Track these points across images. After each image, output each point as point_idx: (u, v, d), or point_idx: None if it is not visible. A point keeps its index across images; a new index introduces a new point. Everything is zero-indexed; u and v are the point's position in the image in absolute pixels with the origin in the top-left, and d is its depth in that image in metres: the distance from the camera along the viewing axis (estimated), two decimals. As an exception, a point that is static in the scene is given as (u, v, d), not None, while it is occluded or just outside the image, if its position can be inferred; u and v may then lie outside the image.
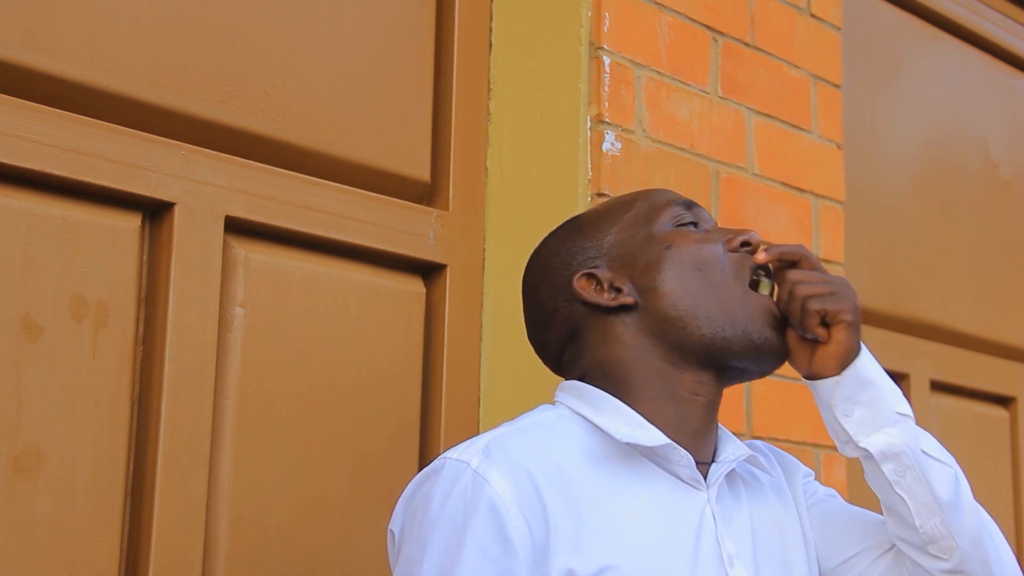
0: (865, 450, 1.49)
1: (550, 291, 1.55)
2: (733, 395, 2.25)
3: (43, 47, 1.68)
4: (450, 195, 2.11)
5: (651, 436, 1.45)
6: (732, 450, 1.52)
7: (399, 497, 1.45)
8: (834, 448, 2.43)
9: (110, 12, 1.75)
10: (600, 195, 2.05)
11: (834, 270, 2.52)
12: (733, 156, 2.31)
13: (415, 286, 2.06)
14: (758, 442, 1.66)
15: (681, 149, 2.21)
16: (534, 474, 1.37)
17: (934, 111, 3.28)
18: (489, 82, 2.19)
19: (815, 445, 2.41)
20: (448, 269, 2.07)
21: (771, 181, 2.38)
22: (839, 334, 1.47)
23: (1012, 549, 1.59)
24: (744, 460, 1.54)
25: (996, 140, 3.47)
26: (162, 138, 1.77)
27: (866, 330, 2.91)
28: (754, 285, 1.51)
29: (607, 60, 2.10)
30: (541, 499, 1.36)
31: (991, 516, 1.60)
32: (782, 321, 1.50)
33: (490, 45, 2.20)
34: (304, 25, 1.97)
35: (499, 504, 1.34)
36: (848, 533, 1.61)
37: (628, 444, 1.44)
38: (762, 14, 2.42)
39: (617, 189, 2.08)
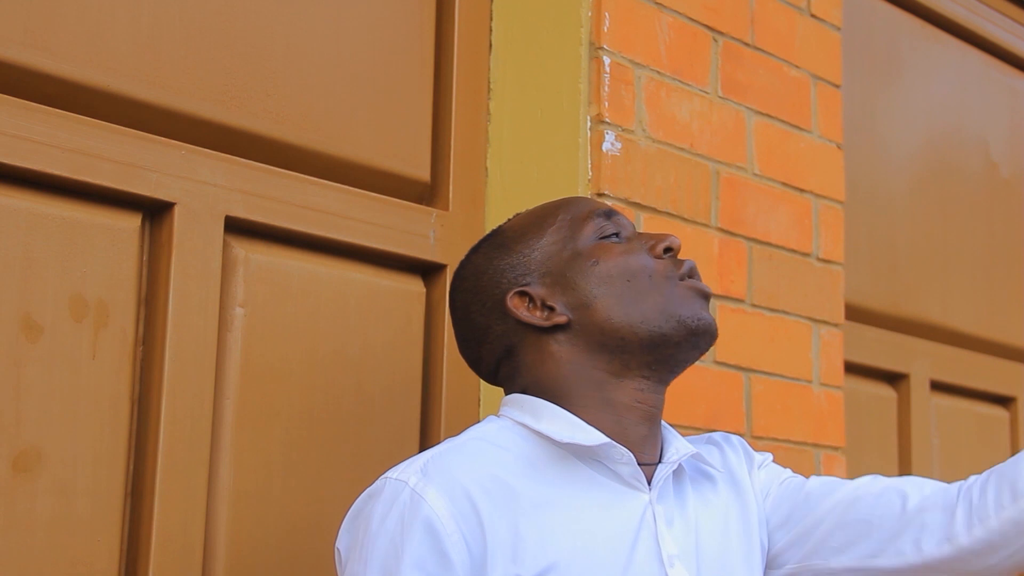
0: None
1: (481, 309, 1.57)
2: (733, 395, 2.25)
3: (43, 47, 1.68)
4: (450, 195, 2.11)
5: (590, 436, 1.46)
6: (677, 449, 1.53)
7: (345, 515, 1.48)
8: (834, 448, 2.43)
9: (110, 12, 1.75)
10: (600, 195, 2.05)
11: (834, 270, 2.52)
12: (733, 156, 2.31)
13: (415, 286, 2.06)
14: (716, 434, 1.66)
15: (681, 149, 2.21)
16: (470, 489, 1.40)
17: (934, 111, 3.28)
18: (489, 82, 2.19)
19: (815, 445, 2.41)
20: (448, 269, 2.07)
21: (771, 181, 2.38)
22: None
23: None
24: (692, 458, 1.54)
25: (996, 140, 3.47)
26: (162, 138, 1.77)
27: (866, 330, 2.93)
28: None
29: (607, 60, 2.10)
30: (477, 513, 1.39)
31: None
32: (707, 297, 1.52)
33: (490, 45, 2.20)
34: (304, 25, 1.97)
35: (435, 521, 1.38)
36: (857, 529, 1.58)
37: (567, 444, 1.46)
38: (762, 14, 2.42)
39: (617, 189, 2.08)
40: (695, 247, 2.19)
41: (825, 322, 2.47)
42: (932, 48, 3.29)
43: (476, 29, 2.18)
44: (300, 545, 1.85)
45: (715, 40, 2.31)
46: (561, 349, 1.51)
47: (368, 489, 1.46)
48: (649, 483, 1.49)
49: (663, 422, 1.56)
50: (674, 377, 1.54)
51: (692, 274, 1.53)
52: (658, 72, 2.19)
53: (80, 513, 1.64)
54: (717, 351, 2.22)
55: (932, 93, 3.28)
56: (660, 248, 1.53)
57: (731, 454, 1.63)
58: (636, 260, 1.52)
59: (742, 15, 2.38)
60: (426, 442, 2.02)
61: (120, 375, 1.70)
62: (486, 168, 2.16)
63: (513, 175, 2.14)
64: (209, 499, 1.75)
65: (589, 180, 2.06)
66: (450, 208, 2.10)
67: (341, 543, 1.47)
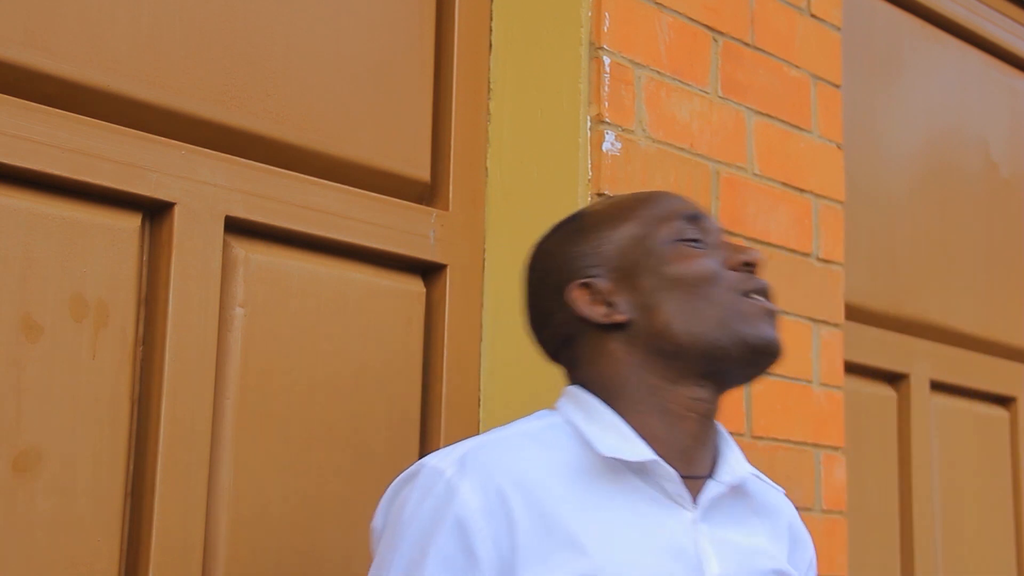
0: None
1: (546, 293, 1.55)
2: (733, 395, 2.25)
3: (43, 47, 1.68)
4: (450, 195, 2.11)
5: (636, 451, 1.43)
6: (732, 468, 1.49)
7: (384, 494, 1.48)
8: (834, 448, 2.43)
9: (110, 12, 1.75)
10: (600, 195, 2.05)
11: (834, 270, 2.52)
12: (733, 156, 2.31)
13: (415, 286, 2.06)
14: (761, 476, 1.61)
15: (681, 149, 2.21)
16: (505, 487, 1.38)
17: (934, 111, 3.28)
18: (489, 82, 2.19)
19: (815, 445, 2.41)
20: (448, 269, 2.07)
21: (771, 181, 2.38)
22: None
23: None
24: (751, 478, 1.52)
25: (996, 140, 3.47)
26: (162, 138, 1.77)
27: (866, 330, 2.93)
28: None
29: (607, 60, 2.10)
30: (509, 513, 1.37)
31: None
32: (773, 316, 1.48)
33: (490, 45, 2.20)
34: (304, 25, 1.97)
35: (466, 518, 1.36)
36: None
37: (611, 458, 1.43)
38: (762, 14, 2.42)
39: (617, 189, 2.08)
40: (695, 247, 2.19)
41: (825, 322, 2.47)
42: (932, 48, 3.29)
43: (476, 29, 2.18)
44: (300, 545, 1.85)
45: (715, 40, 2.31)
46: (618, 348, 1.48)
47: (406, 471, 1.45)
48: (695, 497, 1.46)
49: (724, 433, 1.53)
50: (730, 389, 1.51)
51: (762, 291, 1.49)
52: (658, 72, 2.19)
53: (80, 513, 1.64)
54: (717, 351, 2.22)
55: (932, 93, 3.28)
56: (738, 260, 1.49)
57: (797, 522, 1.60)
58: (706, 268, 1.47)
59: (742, 15, 2.38)
60: (426, 442, 2.02)
61: (120, 375, 1.70)
62: (486, 168, 2.16)
63: (513, 175, 2.14)
64: (209, 499, 1.75)
65: (589, 180, 2.06)
66: (450, 208, 2.10)
67: (376, 522, 1.47)
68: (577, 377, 1.53)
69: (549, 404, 1.56)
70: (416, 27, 2.12)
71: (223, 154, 1.83)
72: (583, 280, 1.50)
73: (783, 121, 2.43)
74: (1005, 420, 3.39)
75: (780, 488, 1.62)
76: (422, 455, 2.01)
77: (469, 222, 2.12)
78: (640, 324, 1.47)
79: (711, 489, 1.47)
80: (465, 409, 2.06)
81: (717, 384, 1.48)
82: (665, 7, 2.22)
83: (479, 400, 2.09)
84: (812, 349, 2.43)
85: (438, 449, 1.97)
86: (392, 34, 2.09)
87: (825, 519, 2.40)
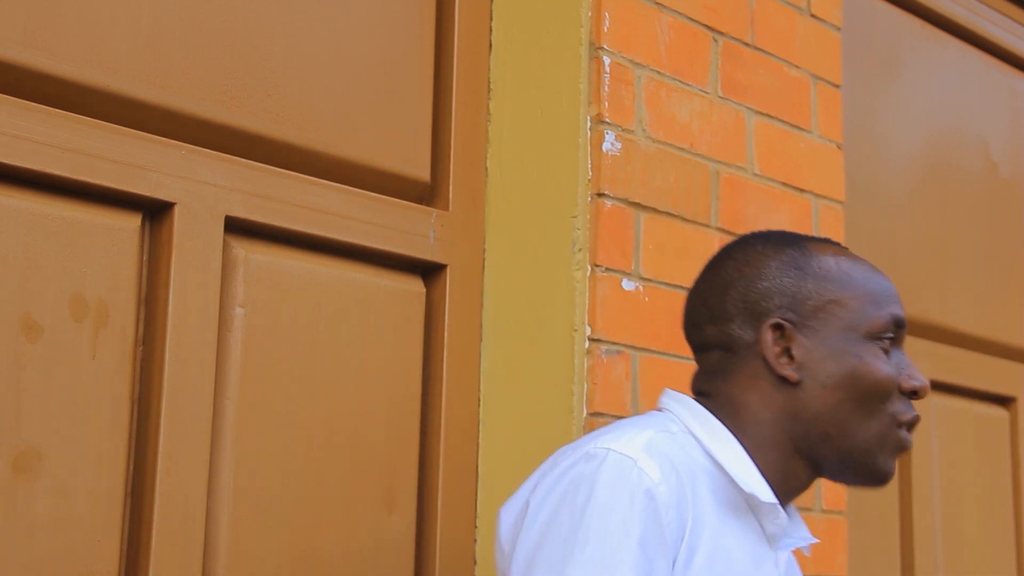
0: None
1: (737, 299, 1.55)
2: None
3: (43, 47, 1.68)
4: (450, 195, 2.11)
5: (766, 492, 1.51)
6: (801, 529, 1.59)
7: (545, 472, 1.46)
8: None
9: (110, 12, 1.75)
10: (600, 195, 2.05)
11: (834, 270, 2.52)
12: (733, 156, 2.31)
13: (415, 286, 2.06)
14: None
15: (681, 149, 2.21)
16: (684, 483, 1.44)
17: (934, 111, 3.28)
18: (489, 82, 2.19)
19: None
20: (448, 269, 2.07)
21: (771, 181, 2.38)
22: None
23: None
24: (810, 543, 1.61)
25: (996, 140, 3.47)
26: (162, 138, 1.77)
27: (866, 330, 2.92)
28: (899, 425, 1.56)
29: (607, 60, 2.10)
30: (685, 505, 1.43)
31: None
32: (905, 451, 1.56)
33: (490, 45, 2.20)
34: (304, 25, 1.97)
35: (660, 505, 1.40)
36: None
37: (747, 493, 1.50)
38: (762, 14, 2.42)
39: (617, 189, 2.08)
40: (695, 247, 2.19)
41: (825, 322, 2.47)
42: (932, 48, 3.29)
43: (476, 29, 2.18)
44: (300, 545, 1.85)
45: (715, 40, 2.31)
46: (773, 393, 1.53)
47: (577, 452, 1.44)
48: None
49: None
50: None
51: (914, 424, 1.55)
52: (658, 72, 2.19)
53: (80, 513, 1.64)
54: (717, 351, 2.22)
55: (932, 93, 3.28)
56: (911, 387, 1.54)
57: None
58: (886, 383, 1.52)
59: (742, 15, 2.38)
60: (426, 442, 2.02)
61: (120, 375, 1.70)
62: (486, 168, 2.16)
63: (513, 175, 2.14)
64: (209, 499, 1.75)
65: (589, 180, 2.06)
66: (450, 208, 2.10)
67: (538, 497, 1.44)
68: (712, 385, 1.56)
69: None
70: (416, 27, 2.12)
71: (223, 154, 1.83)
72: (779, 321, 1.53)
73: (783, 121, 2.43)
74: (1005, 420, 3.39)
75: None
76: (422, 454, 2.01)
77: (469, 222, 2.12)
78: (803, 391, 1.52)
79: (790, 543, 1.55)
80: (465, 409, 2.06)
81: (824, 473, 1.56)
82: (665, 7, 2.22)
83: (479, 400, 2.09)
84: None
85: (439, 448, 1.98)
86: (392, 34, 2.09)
87: (825, 519, 2.40)
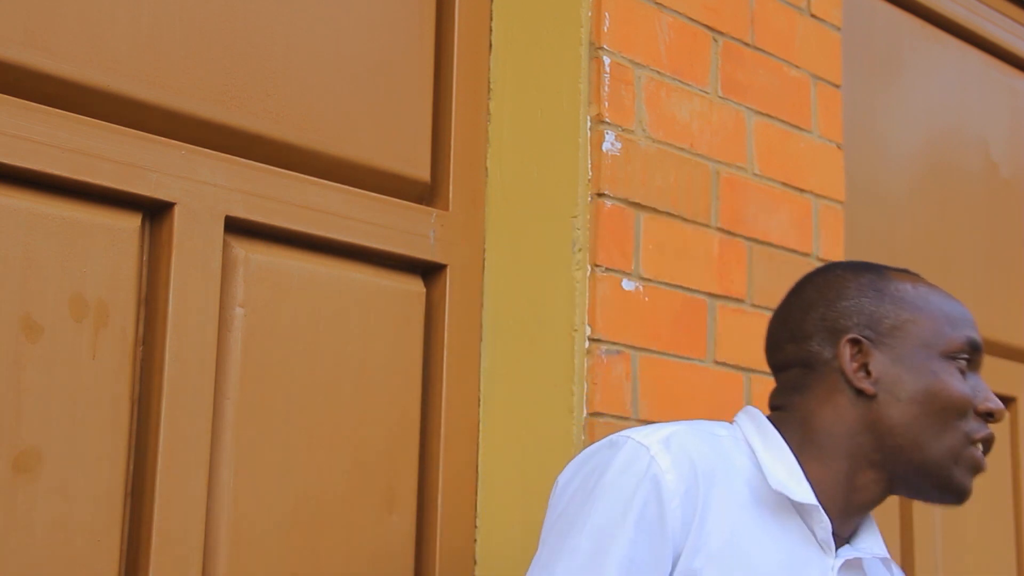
0: None
1: (817, 319, 1.62)
2: (733, 395, 2.25)
3: (43, 47, 1.68)
4: (450, 195, 2.11)
5: (801, 492, 1.54)
6: (872, 544, 1.61)
7: (575, 457, 1.58)
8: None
9: (110, 12, 1.75)
10: (600, 195, 2.05)
11: (834, 270, 2.52)
12: (733, 156, 2.31)
13: (415, 286, 2.06)
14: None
15: (681, 149, 2.21)
16: (699, 476, 1.50)
17: (934, 111, 3.28)
18: (489, 82, 2.19)
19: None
20: (448, 269, 2.07)
21: (771, 181, 2.38)
22: None
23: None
24: (883, 561, 1.64)
25: (996, 140, 3.47)
26: (162, 138, 1.77)
27: (866, 330, 2.92)
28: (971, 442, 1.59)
29: (607, 60, 2.10)
30: (698, 500, 1.49)
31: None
32: (980, 471, 1.59)
33: (490, 45, 2.20)
34: (304, 25, 1.97)
35: (665, 492, 1.47)
36: None
37: (777, 491, 1.54)
38: (762, 14, 2.42)
39: (617, 189, 2.07)
40: (695, 247, 2.19)
41: (825, 322, 2.47)
42: (932, 48, 3.29)
43: (476, 29, 2.18)
44: (300, 545, 1.85)
45: (715, 40, 2.31)
46: (847, 408, 1.58)
47: (605, 439, 1.55)
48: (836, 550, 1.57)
49: (871, 516, 1.65)
50: (896, 495, 1.62)
51: (988, 443, 1.59)
52: (658, 72, 2.19)
53: (80, 513, 1.64)
54: (717, 351, 2.22)
55: (932, 93, 3.28)
56: (987, 408, 1.58)
57: None
58: (962, 401, 1.56)
59: (742, 15, 2.38)
60: (426, 442, 2.02)
61: (120, 375, 1.70)
62: (486, 168, 2.16)
63: (513, 175, 2.14)
64: (209, 499, 1.75)
65: (589, 180, 2.06)
66: (450, 208, 2.10)
67: (564, 476, 1.56)
68: (789, 399, 1.62)
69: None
70: (416, 27, 2.12)
71: (223, 154, 1.83)
72: (857, 336, 1.58)
73: (783, 121, 2.43)
74: (1005, 420, 3.39)
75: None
76: (422, 454, 2.01)
77: (469, 222, 2.12)
78: (880, 404, 1.57)
79: (850, 550, 1.58)
80: (465, 409, 2.06)
81: (897, 489, 1.60)
82: (665, 7, 2.22)
83: (479, 400, 2.09)
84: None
85: (439, 448, 1.98)
86: (392, 34, 2.09)
87: (825, 519, 2.40)
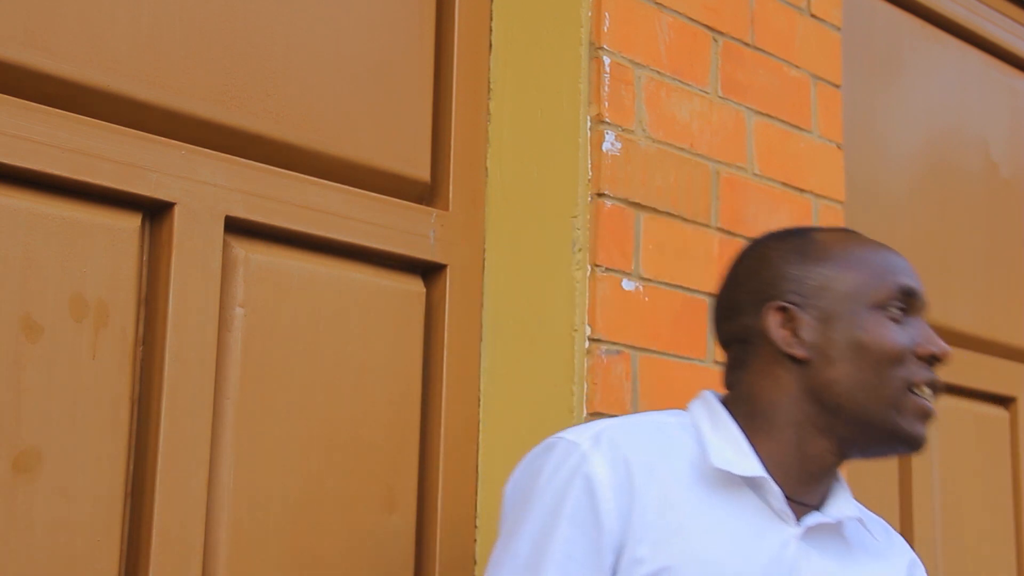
0: None
1: (745, 292, 1.61)
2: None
3: (43, 47, 1.68)
4: (450, 195, 2.11)
5: (745, 466, 1.53)
6: (841, 507, 1.58)
7: (518, 464, 1.59)
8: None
9: (110, 12, 1.75)
10: (600, 195, 2.05)
11: (834, 270, 2.52)
12: (733, 156, 2.31)
13: (415, 286, 2.06)
14: (865, 508, 1.70)
15: (681, 149, 2.21)
16: (633, 468, 1.49)
17: (934, 111, 3.27)
18: (489, 82, 2.19)
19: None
20: (448, 269, 2.07)
21: (771, 181, 2.38)
22: None
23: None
24: (853, 521, 1.60)
25: (996, 140, 3.47)
26: (162, 138, 1.77)
27: (866, 330, 2.92)
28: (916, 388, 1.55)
29: (607, 60, 2.10)
30: (633, 491, 1.48)
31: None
32: (930, 417, 1.56)
33: (490, 45, 2.20)
34: (304, 25, 1.97)
35: (597, 487, 1.48)
36: None
37: (720, 470, 1.52)
38: (762, 14, 2.42)
39: (617, 189, 2.07)
40: (695, 247, 2.19)
41: (825, 322, 2.47)
42: (932, 48, 3.29)
43: (476, 29, 2.18)
44: (300, 545, 1.85)
45: (715, 40, 2.31)
46: (785, 377, 1.56)
47: (544, 442, 1.56)
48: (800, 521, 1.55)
49: (841, 479, 1.62)
50: (858, 456, 1.59)
51: (933, 386, 1.56)
52: (658, 72, 2.19)
53: (80, 513, 1.64)
54: (717, 351, 2.22)
55: (932, 93, 3.28)
56: (928, 352, 1.56)
57: (885, 537, 1.67)
58: (897, 349, 1.54)
59: (742, 15, 2.38)
60: (426, 442, 2.02)
61: (120, 375, 1.70)
62: (486, 168, 2.16)
63: (513, 175, 2.14)
64: (209, 499, 1.75)
65: (589, 180, 2.06)
66: (450, 208, 2.10)
67: (509, 486, 1.58)
68: (734, 376, 1.62)
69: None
70: (416, 27, 2.12)
71: (223, 154, 1.83)
72: (783, 304, 1.56)
73: (783, 121, 2.43)
74: (1005, 420, 3.39)
75: (899, 536, 1.71)
76: (422, 454, 2.01)
77: (469, 222, 2.12)
78: (814, 368, 1.55)
79: (815, 516, 1.56)
80: (465, 409, 2.06)
81: (852, 449, 1.57)
82: (665, 7, 2.22)
83: (479, 400, 2.09)
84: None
85: (439, 448, 1.98)
86: (392, 34, 2.09)
87: (825, 519, 2.40)
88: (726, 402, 1.61)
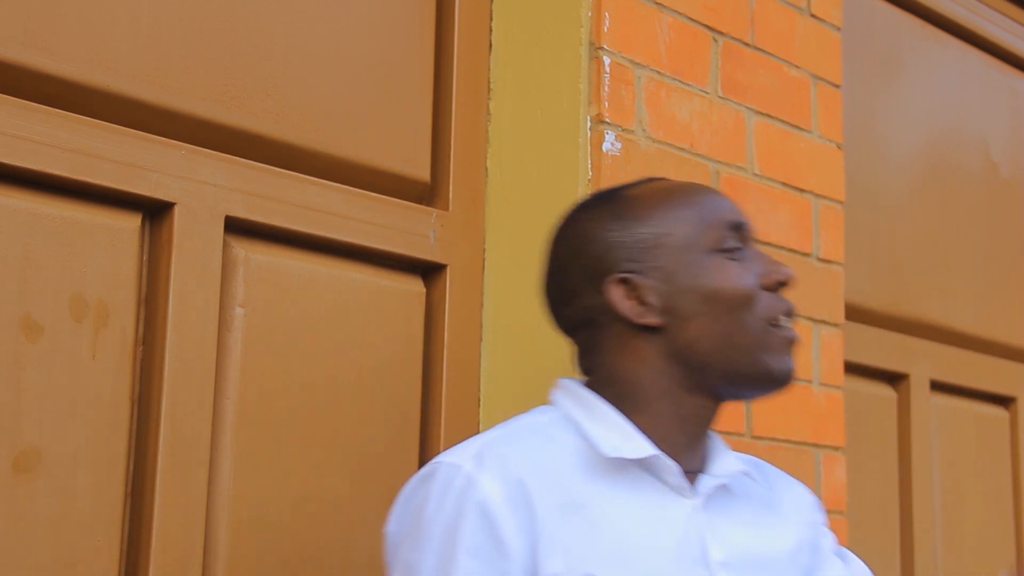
0: None
1: (578, 274, 1.52)
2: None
3: (43, 47, 1.68)
4: (450, 195, 2.11)
5: (636, 448, 1.45)
6: (725, 463, 1.52)
7: (396, 499, 1.48)
8: (834, 448, 2.43)
9: (110, 12, 1.75)
10: (600, 195, 2.05)
11: (834, 270, 2.52)
12: (733, 156, 2.31)
13: (415, 286, 2.06)
14: (751, 457, 1.66)
15: (681, 149, 2.21)
16: (525, 479, 1.39)
17: (934, 111, 3.28)
18: (489, 82, 2.19)
19: (815, 445, 2.41)
20: (448, 269, 2.07)
21: (771, 181, 2.38)
22: None
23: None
24: (738, 474, 1.54)
25: (996, 140, 3.47)
26: (162, 138, 1.77)
27: (866, 330, 2.93)
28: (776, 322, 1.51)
29: (607, 60, 2.10)
30: (531, 504, 1.38)
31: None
32: (793, 344, 1.51)
33: (490, 45, 2.20)
34: (304, 25, 1.97)
35: (491, 507, 1.37)
36: None
37: (613, 459, 1.45)
38: (762, 14, 2.42)
39: (617, 189, 2.07)
40: (695, 247, 2.19)
41: (825, 322, 2.47)
42: (932, 48, 3.29)
43: (476, 29, 2.18)
44: (300, 545, 1.85)
45: (715, 40, 2.31)
46: (643, 348, 1.49)
47: (419, 472, 1.46)
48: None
49: (713, 433, 1.56)
50: (734, 401, 1.56)
51: (789, 313, 1.51)
52: (658, 72, 2.19)
53: (80, 513, 1.64)
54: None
55: (932, 93, 3.28)
56: (773, 280, 1.50)
57: (776, 482, 1.63)
58: (744, 288, 1.48)
59: (742, 15, 2.38)
60: (426, 443, 2.02)
61: (120, 375, 1.70)
62: (486, 168, 2.16)
63: (513, 175, 2.14)
64: (209, 499, 1.75)
65: (589, 180, 2.06)
66: (450, 208, 2.10)
67: (391, 527, 1.46)
68: (590, 361, 1.53)
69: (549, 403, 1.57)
70: (416, 27, 2.12)
71: (223, 154, 1.83)
72: (622, 275, 1.48)
73: (783, 121, 2.43)
74: (1005, 420, 3.39)
75: (796, 481, 1.66)
76: (422, 454, 2.01)
77: (469, 222, 2.12)
78: (671, 331, 1.48)
79: (706, 481, 1.50)
80: (465, 409, 2.06)
81: (726, 398, 1.52)
82: (665, 7, 2.22)
83: (479, 400, 2.09)
84: (812, 349, 2.43)
85: (439, 448, 1.98)
86: (392, 34, 2.09)
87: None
88: (591, 387, 1.52)
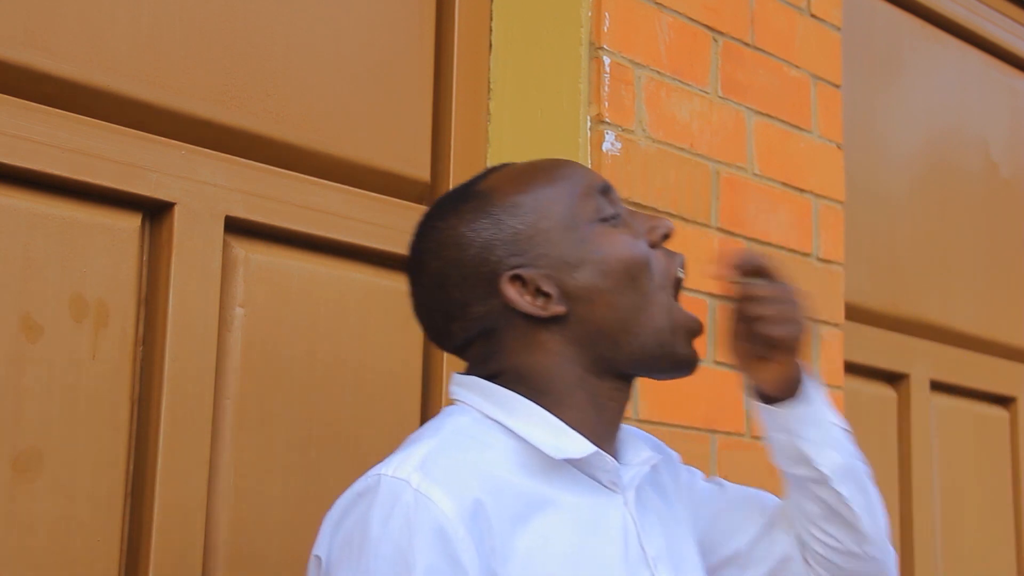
0: (819, 471, 1.52)
1: (461, 284, 1.41)
2: (733, 395, 2.25)
3: (43, 47, 1.68)
4: (450, 195, 2.10)
5: (579, 447, 1.38)
6: (638, 453, 1.47)
7: (324, 518, 1.36)
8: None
9: (110, 12, 1.75)
10: (600, 195, 2.05)
11: (834, 270, 2.52)
12: (733, 156, 2.31)
13: (415, 286, 2.06)
14: (636, 430, 1.58)
15: (681, 149, 2.21)
16: (477, 493, 1.30)
17: (934, 111, 3.28)
18: (489, 82, 2.19)
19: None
20: (448, 269, 2.07)
21: (771, 181, 2.38)
22: (783, 359, 1.50)
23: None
24: (651, 462, 1.49)
25: (996, 140, 3.47)
26: (162, 138, 1.77)
27: (866, 330, 2.93)
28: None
29: (607, 60, 2.10)
30: (487, 519, 1.29)
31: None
32: (698, 334, 1.46)
33: (490, 45, 2.20)
34: (304, 25, 1.97)
35: (446, 524, 1.26)
36: (743, 518, 1.60)
37: (548, 459, 1.37)
38: (762, 14, 2.42)
39: (617, 189, 2.07)
40: (695, 247, 2.19)
41: (825, 322, 2.47)
42: (932, 48, 3.29)
43: (476, 29, 2.18)
44: (300, 545, 1.85)
45: (715, 40, 2.31)
46: (551, 340, 1.40)
47: (354, 487, 1.33)
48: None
49: None
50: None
51: (682, 267, 1.46)
52: (658, 72, 2.19)
53: (80, 513, 1.64)
54: (717, 351, 2.22)
55: (932, 93, 3.28)
56: (658, 236, 1.44)
57: (674, 465, 1.61)
58: (640, 254, 1.41)
59: (742, 15, 2.38)
60: (426, 442, 2.02)
61: (120, 375, 1.70)
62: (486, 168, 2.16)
63: (513, 175, 2.14)
64: (209, 499, 1.75)
65: (589, 180, 2.06)
66: (450, 208, 2.10)
67: (321, 549, 1.33)
68: (494, 366, 1.43)
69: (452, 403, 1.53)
70: (416, 27, 2.12)
71: (223, 154, 1.83)
72: (512, 272, 1.39)
73: (783, 121, 2.43)
74: (1005, 420, 3.39)
75: (643, 436, 1.60)
76: (422, 455, 2.01)
77: (469, 222, 2.12)
78: (576, 316, 1.40)
79: (631, 473, 1.44)
80: (465, 409, 2.06)
81: (636, 377, 1.46)
82: (665, 7, 2.22)
83: (479, 400, 2.08)
84: (812, 349, 2.43)
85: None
86: (392, 34, 2.09)
87: (825, 519, 2.40)
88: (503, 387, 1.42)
